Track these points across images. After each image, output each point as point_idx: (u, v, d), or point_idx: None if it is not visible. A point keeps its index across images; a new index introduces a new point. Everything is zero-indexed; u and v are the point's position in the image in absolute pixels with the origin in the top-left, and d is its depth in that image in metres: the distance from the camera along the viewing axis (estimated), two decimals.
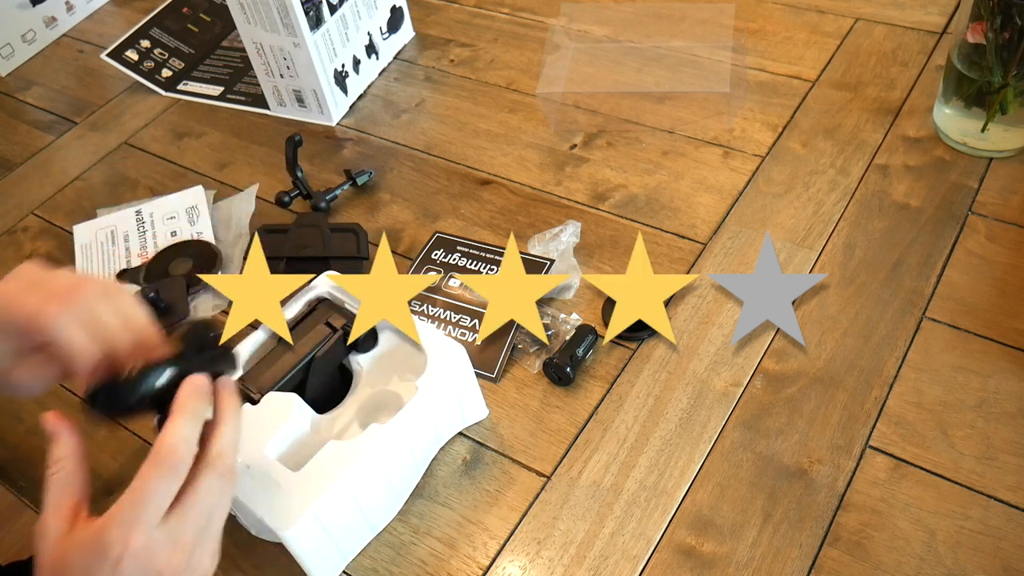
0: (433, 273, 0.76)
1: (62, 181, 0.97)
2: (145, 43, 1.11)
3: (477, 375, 0.68)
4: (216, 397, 0.48)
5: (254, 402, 0.59)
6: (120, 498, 0.43)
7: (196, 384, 0.47)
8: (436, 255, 0.77)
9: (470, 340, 0.71)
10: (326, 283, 0.67)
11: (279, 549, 0.56)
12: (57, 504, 0.44)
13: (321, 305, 0.66)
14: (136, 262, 0.84)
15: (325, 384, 0.63)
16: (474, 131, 0.93)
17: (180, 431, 0.45)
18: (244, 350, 0.63)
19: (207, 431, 0.47)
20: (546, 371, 0.68)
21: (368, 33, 0.99)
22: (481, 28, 1.06)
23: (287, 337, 0.62)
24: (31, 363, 0.51)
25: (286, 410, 0.59)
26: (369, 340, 0.64)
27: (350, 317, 0.64)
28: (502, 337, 0.70)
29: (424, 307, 0.74)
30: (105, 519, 0.43)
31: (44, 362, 0.51)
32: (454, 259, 0.77)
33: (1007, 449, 0.60)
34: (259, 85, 0.98)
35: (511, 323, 0.71)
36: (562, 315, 0.72)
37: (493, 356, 0.70)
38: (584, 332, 0.69)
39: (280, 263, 0.80)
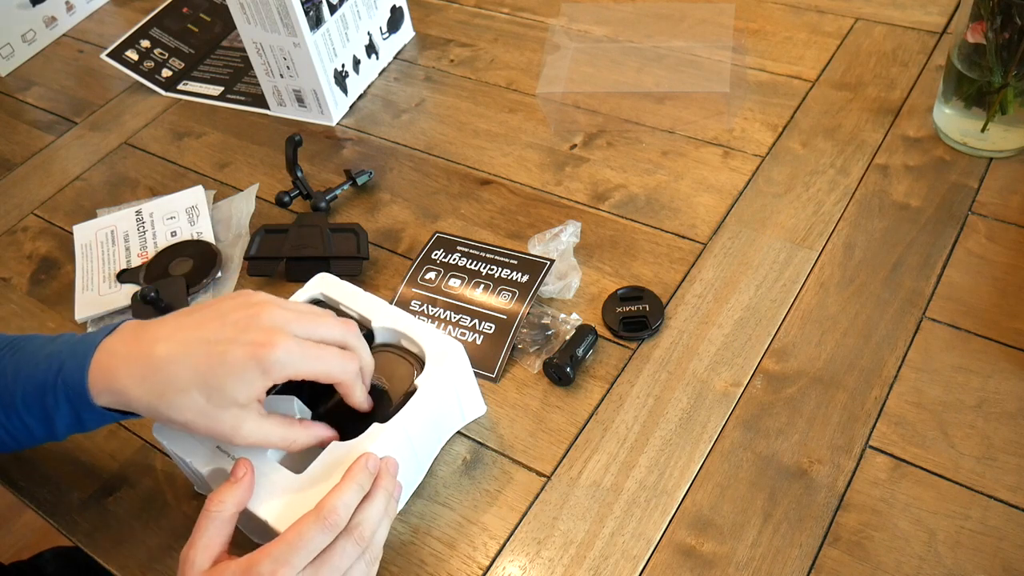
0: (433, 274, 0.76)
1: (62, 181, 0.97)
2: (145, 43, 1.11)
3: (477, 375, 0.68)
4: (377, 475, 0.54)
5: None
6: (276, 539, 0.49)
7: (367, 460, 0.53)
8: (436, 255, 0.77)
9: (470, 340, 0.71)
10: (320, 285, 0.67)
11: None
12: (209, 542, 0.50)
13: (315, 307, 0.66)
14: (136, 262, 0.84)
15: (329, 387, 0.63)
16: (474, 131, 0.93)
17: (344, 497, 0.51)
18: None
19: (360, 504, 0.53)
20: (546, 371, 0.68)
21: (368, 33, 0.99)
22: (481, 28, 1.06)
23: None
24: None
25: (286, 412, 0.59)
26: (366, 340, 0.64)
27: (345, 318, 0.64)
28: (502, 337, 0.70)
29: (424, 307, 0.74)
30: (259, 553, 0.49)
31: None
32: (454, 259, 0.77)
33: (1007, 449, 0.60)
34: (259, 85, 0.98)
35: (511, 323, 0.71)
36: (562, 315, 0.72)
37: (493, 356, 0.70)
38: (584, 332, 0.69)
39: (280, 263, 0.80)
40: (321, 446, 0.57)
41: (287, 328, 0.52)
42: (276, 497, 0.55)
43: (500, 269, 0.75)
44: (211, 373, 0.51)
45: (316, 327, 0.54)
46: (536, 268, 0.74)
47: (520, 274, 0.74)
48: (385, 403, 0.61)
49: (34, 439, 0.58)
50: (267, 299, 0.55)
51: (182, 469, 0.63)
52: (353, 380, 0.56)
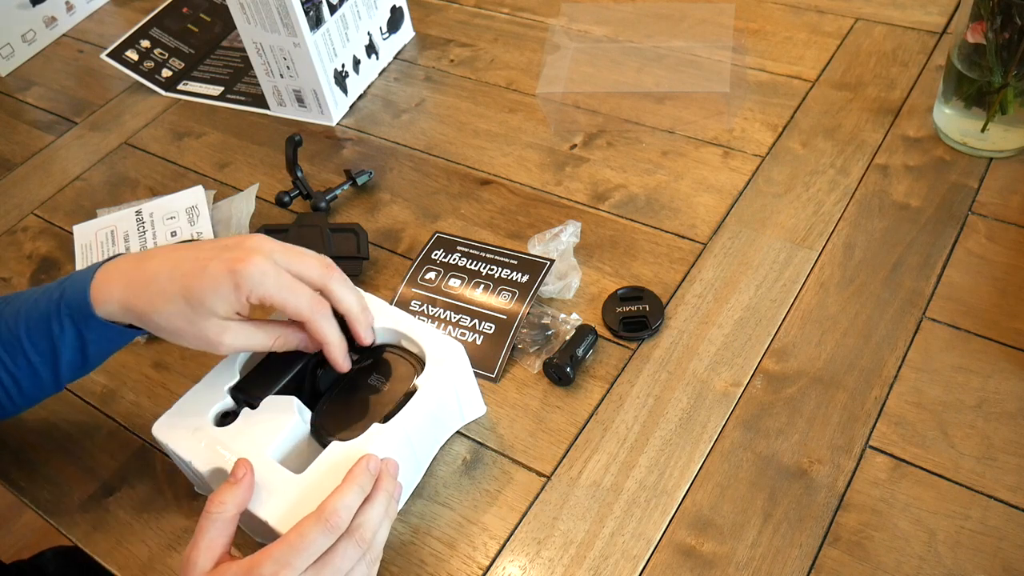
0: (432, 274, 0.76)
1: (62, 181, 0.97)
2: (145, 43, 1.11)
3: (477, 375, 0.68)
4: (378, 476, 0.54)
5: (253, 406, 0.59)
6: (278, 540, 0.50)
7: (368, 462, 0.54)
8: (436, 255, 0.77)
9: (470, 340, 0.71)
10: None
11: None
12: (210, 544, 0.51)
13: None
14: None
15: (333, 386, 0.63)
16: (474, 131, 0.93)
17: (346, 499, 0.51)
18: (240, 354, 0.63)
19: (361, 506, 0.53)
20: (546, 371, 0.68)
21: (368, 33, 0.99)
22: (481, 28, 1.06)
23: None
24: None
25: (286, 413, 0.59)
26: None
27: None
28: (502, 337, 0.70)
29: (424, 307, 0.74)
30: (260, 554, 0.49)
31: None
32: (454, 259, 0.77)
33: (1007, 449, 0.60)
34: (259, 85, 0.98)
35: (511, 323, 0.71)
36: (562, 315, 0.72)
37: (493, 356, 0.70)
38: (584, 332, 0.69)
39: None
40: (313, 347, 0.59)
41: (269, 254, 0.55)
42: (276, 497, 0.55)
43: (500, 269, 0.75)
44: (192, 283, 0.54)
45: (298, 262, 0.56)
46: (536, 268, 0.74)
47: (520, 274, 0.74)
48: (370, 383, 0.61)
49: (39, 385, 0.60)
50: (261, 235, 0.58)
51: (182, 469, 0.63)
52: (320, 321, 0.57)
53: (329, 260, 0.58)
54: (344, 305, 0.58)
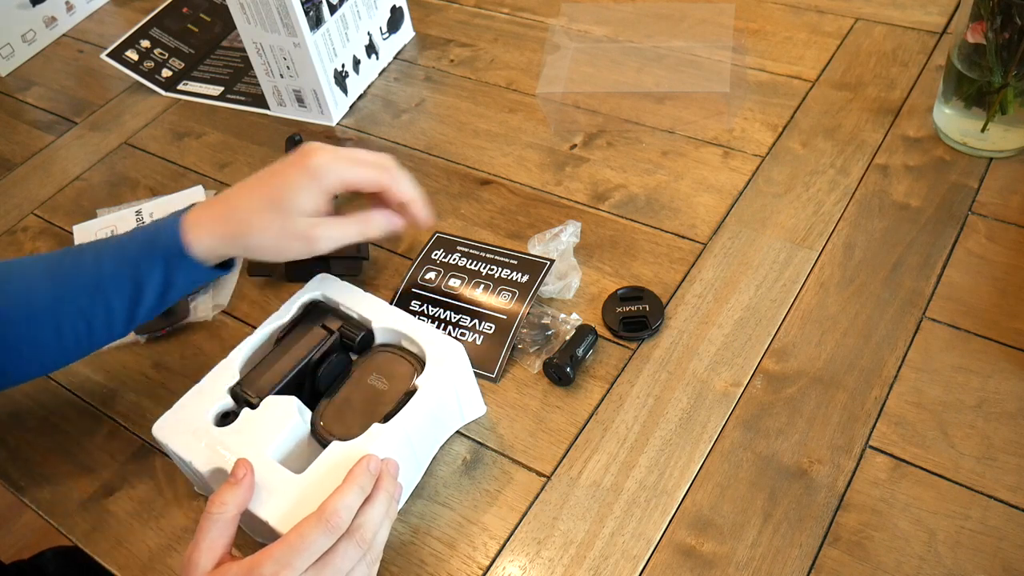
0: (432, 274, 0.76)
1: (62, 181, 0.97)
2: (145, 43, 1.11)
3: (477, 375, 0.68)
4: (378, 477, 0.54)
5: (253, 406, 0.59)
6: (278, 541, 0.50)
7: (369, 462, 0.54)
8: (436, 255, 0.77)
9: (470, 340, 0.71)
10: (319, 286, 0.67)
11: None
12: (211, 544, 0.51)
13: (315, 308, 0.66)
14: None
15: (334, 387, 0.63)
16: (474, 131, 0.93)
17: (346, 499, 0.52)
18: (240, 354, 0.63)
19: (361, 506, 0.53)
20: (546, 371, 0.68)
21: (368, 33, 0.99)
22: (481, 28, 1.06)
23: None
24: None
25: (286, 413, 0.59)
26: (366, 340, 0.64)
27: (345, 319, 0.64)
28: (502, 337, 0.70)
29: (424, 307, 0.74)
30: (261, 555, 0.49)
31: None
32: (454, 259, 0.77)
33: (1007, 449, 0.60)
34: (259, 85, 0.98)
35: (511, 323, 0.71)
36: (562, 315, 0.72)
37: (493, 356, 0.70)
38: (584, 332, 0.69)
39: (280, 263, 0.80)
40: (391, 222, 0.63)
41: (332, 149, 0.61)
42: (277, 497, 0.55)
43: (500, 269, 0.75)
44: (275, 191, 0.59)
45: (357, 151, 0.63)
46: (536, 268, 0.74)
47: (520, 274, 0.74)
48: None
49: (110, 329, 0.61)
50: (317, 142, 0.62)
51: (182, 469, 0.63)
52: (398, 181, 0.62)
53: (383, 153, 0.64)
54: (404, 186, 0.63)
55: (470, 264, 0.76)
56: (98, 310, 0.60)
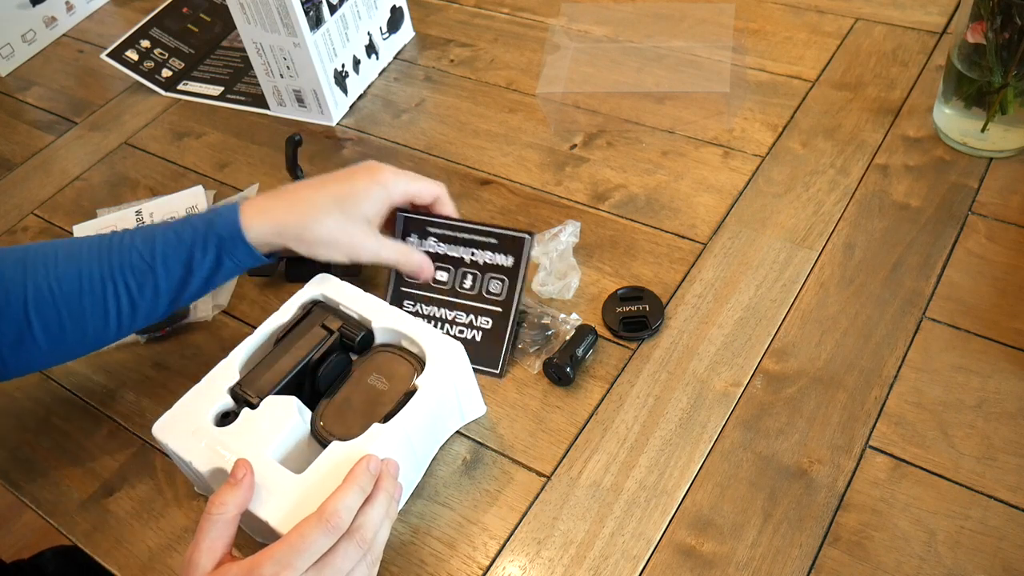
0: None
1: (62, 181, 0.97)
2: (145, 43, 1.11)
3: (480, 372, 0.68)
4: (379, 477, 0.55)
5: (253, 406, 0.59)
6: (279, 541, 0.50)
7: (369, 462, 0.54)
8: (411, 241, 0.73)
9: (469, 337, 0.71)
10: (319, 286, 0.67)
11: None
12: (211, 545, 0.51)
13: (315, 308, 0.66)
14: None
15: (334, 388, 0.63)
16: (474, 131, 0.93)
17: (346, 499, 0.52)
18: (240, 354, 0.63)
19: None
20: (546, 371, 0.68)
21: (368, 33, 0.99)
22: (481, 28, 1.06)
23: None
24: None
25: (286, 413, 0.59)
26: (366, 340, 0.64)
27: (345, 319, 0.64)
28: (500, 330, 0.70)
29: (418, 307, 0.74)
30: (261, 555, 0.49)
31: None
32: (431, 245, 0.73)
33: (1007, 449, 0.60)
34: (259, 85, 0.98)
35: (507, 314, 0.71)
36: (562, 315, 0.72)
37: (495, 352, 0.70)
38: (584, 332, 0.69)
39: (280, 264, 0.80)
40: (418, 274, 0.69)
41: (387, 165, 0.67)
42: (277, 498, 0.55)
43: (482, 252, 0.72)
44: (344, 196, 0.63)
45: (412, 172, 0.69)
46: (517, 245, 0.71)
47: (504, 255, 0.71)
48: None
49: (153, 311, 0.63)
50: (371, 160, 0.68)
51: (182, 469, 0.63)
52: (446, 193, 0.70)
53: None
54: (448, 207, 0.70)
55: (450, 251, 0.73)
56: (146, 294, 0.61)
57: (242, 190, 0.91)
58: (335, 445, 0.57)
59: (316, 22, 0.90)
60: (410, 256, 0.68)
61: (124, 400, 0.73)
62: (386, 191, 0.65)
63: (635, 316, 0.71)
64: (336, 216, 0.63)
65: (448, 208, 0.70)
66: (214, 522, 0.51)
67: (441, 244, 0.73)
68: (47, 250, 0.62)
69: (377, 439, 0.57)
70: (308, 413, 0.60)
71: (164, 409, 0.61)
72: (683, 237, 0.78)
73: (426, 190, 0.68)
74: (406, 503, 0.63)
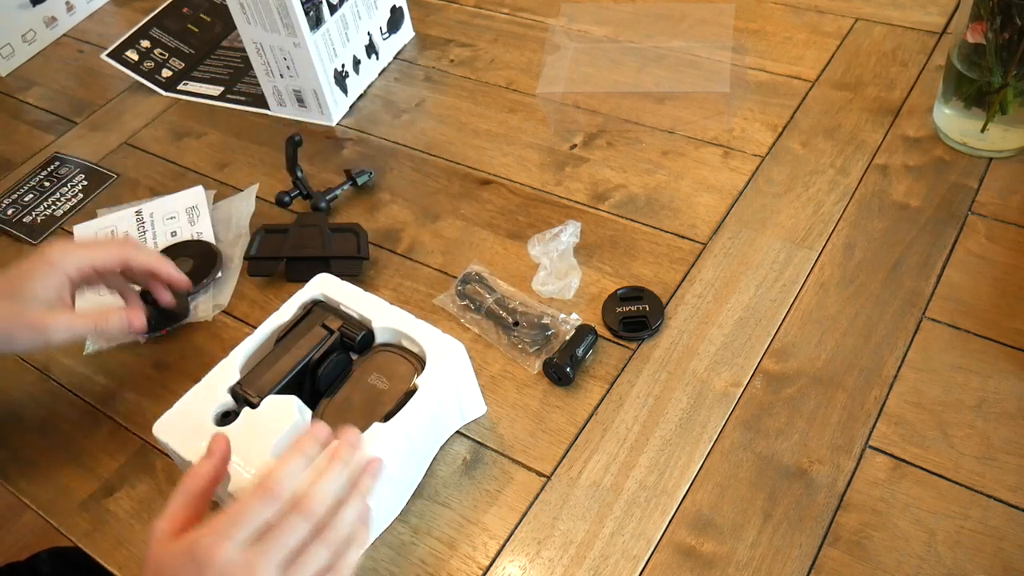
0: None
1: None
2: (145, 43, 1.11)
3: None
4: (337, 455, 0.51)
5: (253, 406, 0.59)
6: (219, 512, 0.47)
7: (317, 431, 0.51)
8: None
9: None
10: (320, 285, 0.67)
11: None
12: (175, 512, 0.49)
13: (316, 307, 0.66)
14: None
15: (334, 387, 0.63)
16: (474, 131, 0.93)
17: (288, 467, 0.49)
18: (240, 354, 0.63)
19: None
20: (546, 371, 0.68)
21: (368, 33, 0.99)
22: (481, 28, 1.06)
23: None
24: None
25: (287, 413, 0.59)
26: (367, 340, 0.64)
27: (345, 319, 0.64)
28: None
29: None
30: (203, 527, 0.47)
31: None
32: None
33: (1007, 449, 0.60)
34: (259, 85, 0.98)
35: None
36: (562, 315, 0.72)
37: None
38: (584, 332, 0.69)
39: (280, 263, 0.80)
40: (136, 318, 0.66)
41: (65, 241, 0.63)
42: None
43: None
44: (11, 283, 0.62)
45: (93, 240, 0.66)
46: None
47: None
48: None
49: None
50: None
51: (182, 469, 0.63)
52: (136, 251, 0.67)
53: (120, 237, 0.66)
54: (144, 255, 0.67)
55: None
56: None
57: (242, 190, 0.91)
58: (336, 445, 0.56)
59: (316, 22, 0.90)
60: (108, 317, 0.65)
61: (124, 400, 0.73)
62: (54, 267, 0.63)
63: (635, 316, 0.71)
64: (6, 305, 0.61)
65: (143, 258, 0.67)
66: (183, 492, 0.50)
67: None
68: None
69: (378, 438, 0.57)
70: (308, 412, 0.60)
71: (164, 409, 0.61)
72: (683, 237, 0.78)
73: (104, 256, 0.65)
74: (406, 503, 0.63)
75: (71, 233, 0.89)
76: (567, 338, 0.69)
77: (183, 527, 0.49)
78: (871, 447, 0.62)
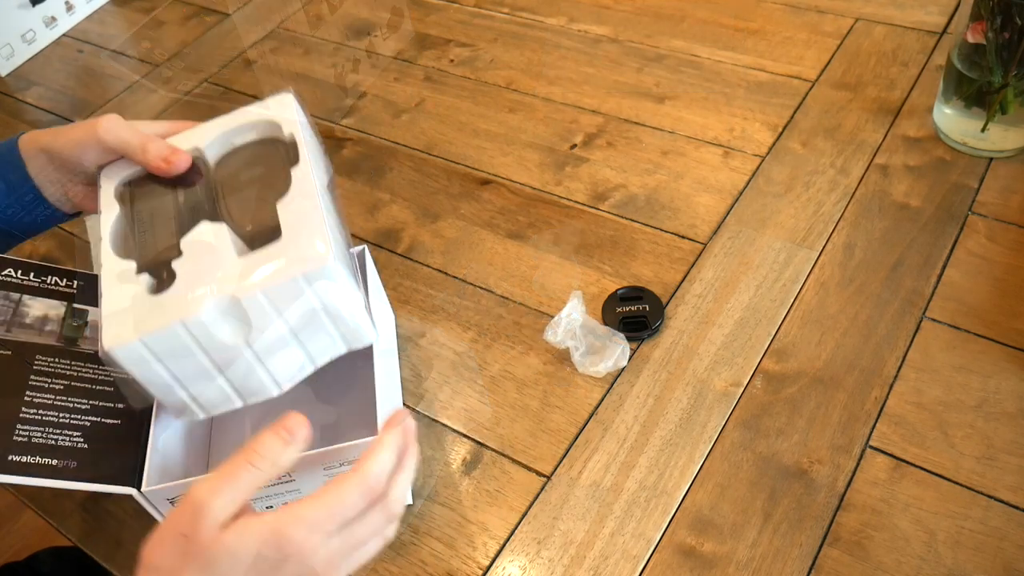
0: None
1: None
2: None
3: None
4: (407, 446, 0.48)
5: (172, 262, 0.53)
6: (313, 500, 0.43)
7: (405, 417, 0.48)
8: None
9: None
10: (112, 169, 0.63)
11: None
12: (236, 496, 0.42)
13: (133, 182, 0.62)
14: None
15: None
16: (474, 131, 0.93)
17: (387, 463, 0.46)
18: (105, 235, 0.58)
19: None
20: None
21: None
22: (481, 28, 1.06)
23: None
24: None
25: (218, 235, 0.53)
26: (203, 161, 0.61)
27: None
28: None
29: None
30: (289, 515, 0.42)
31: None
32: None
33: (1007, 449, 0.60)
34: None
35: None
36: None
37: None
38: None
39: None
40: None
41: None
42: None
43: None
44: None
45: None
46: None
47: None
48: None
49: None
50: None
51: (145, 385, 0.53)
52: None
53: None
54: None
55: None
56: None
57: None
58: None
59: None
60: (150, 142, 0.64)
61: None
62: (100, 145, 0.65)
63: (635, 316, 0.71)
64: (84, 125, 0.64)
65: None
66: (251, 472, 0.43)
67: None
68: None
69: (305, 179, 0.54)
70: (224, 227, 0.54)
71: None
72: (683, 237, 0.78)
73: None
74: (406, 504, 0.63)
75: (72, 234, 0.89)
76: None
77: (238, 513, 0.42)
78: (871, 447, 0.62)
